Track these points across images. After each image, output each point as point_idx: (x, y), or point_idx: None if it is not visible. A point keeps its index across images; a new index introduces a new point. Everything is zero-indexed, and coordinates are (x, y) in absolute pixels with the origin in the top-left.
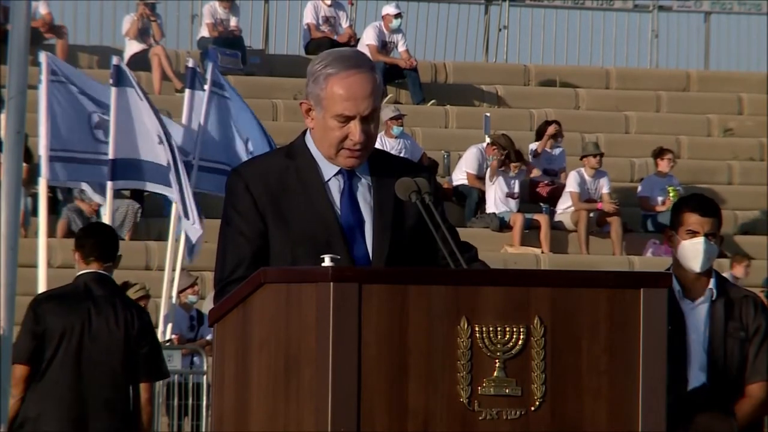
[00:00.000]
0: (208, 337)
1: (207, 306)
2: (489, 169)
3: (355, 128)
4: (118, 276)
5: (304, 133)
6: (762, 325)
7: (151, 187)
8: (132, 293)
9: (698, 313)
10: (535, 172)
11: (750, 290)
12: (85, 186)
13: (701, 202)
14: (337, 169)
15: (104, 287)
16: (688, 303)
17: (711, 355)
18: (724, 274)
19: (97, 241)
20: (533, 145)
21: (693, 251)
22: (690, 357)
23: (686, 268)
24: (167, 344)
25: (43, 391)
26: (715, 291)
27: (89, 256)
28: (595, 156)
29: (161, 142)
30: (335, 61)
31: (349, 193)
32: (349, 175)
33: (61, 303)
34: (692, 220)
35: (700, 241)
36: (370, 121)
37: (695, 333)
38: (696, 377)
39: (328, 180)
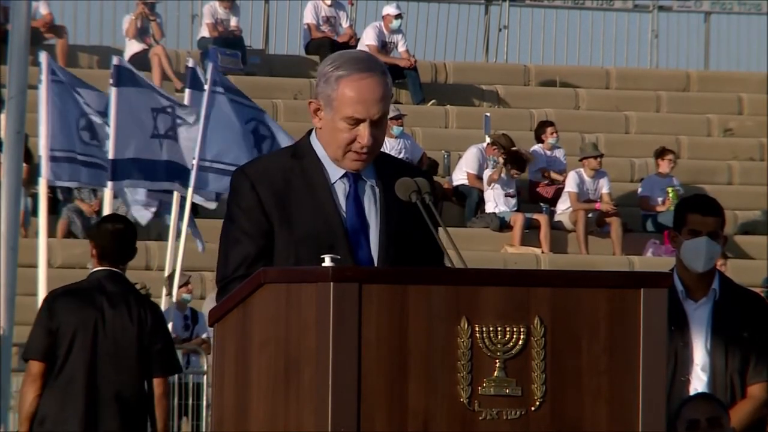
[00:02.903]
0: (204, 336)
1: (207, 306)
2: (487, 178)
3: (364, 131)
4: None
5: (310, 133)
6: (765, 325)
7: (157, 186)
8: None
9: (701, 313)
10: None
11: (753, 290)
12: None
13: (703, 202)
14: (343, 171)
15: (117, 284)
16: (690, 303)
17: (713, 355)
18: None
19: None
20: (535, 147)
21: (695, 251)
22: (692, 357)
23: (689, 268)
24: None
25: (61, 388)
26: (718, 291)
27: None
28: (595, 158)
29: (168, 136)
30: (347, 63)
31: (355, 196)
32: (354, 178)
33: (75, 299)
34: (694, 220)
35: (701, 240)
36: (379, 126)
37: (698, 333)
38: (698, 377)
39: (334, 182)
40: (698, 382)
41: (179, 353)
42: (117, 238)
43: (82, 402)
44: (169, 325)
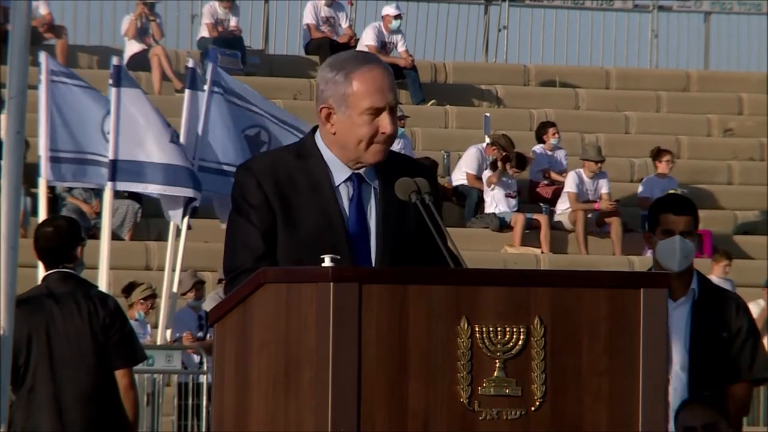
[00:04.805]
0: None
1: (208, 304)
2: (486, 179)
3: (385, 120)
4: (120, 276)
5: (313, 132)
6: (744, 325)
7: (154, 188)
8: (139, 293)
9: (680, 313)
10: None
11: (732, 291)
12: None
13: (674, 202)
14: (347, 174)
15: (66, 284)
16: (669, 303)
17: (692, 354)
18: (712, 277)
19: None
20: (536, 148)
21: (669, 251)
22: (671, 357)
23: (664, 268)
24: (174, 344)
25: (24, 398)
26: (697, 291)
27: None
28: (596, 162)
29: (172, 141)
30: (350, 61)
31: (358, 200)
32: (358, 181)
33: (24, 308)
34: (667, 219)
35: (675, 240)
36: (395, 114)
37: (677, 333)
38: (677, 377)
39: (338, 185)
40: (677, 381)
41: (180, 354)
42: (48, 242)
43: (47, 408)
44: (168, 331)
